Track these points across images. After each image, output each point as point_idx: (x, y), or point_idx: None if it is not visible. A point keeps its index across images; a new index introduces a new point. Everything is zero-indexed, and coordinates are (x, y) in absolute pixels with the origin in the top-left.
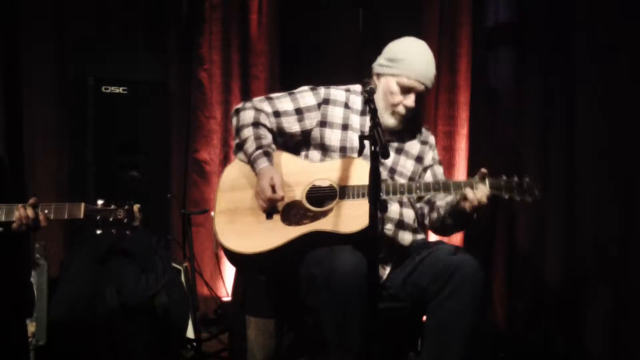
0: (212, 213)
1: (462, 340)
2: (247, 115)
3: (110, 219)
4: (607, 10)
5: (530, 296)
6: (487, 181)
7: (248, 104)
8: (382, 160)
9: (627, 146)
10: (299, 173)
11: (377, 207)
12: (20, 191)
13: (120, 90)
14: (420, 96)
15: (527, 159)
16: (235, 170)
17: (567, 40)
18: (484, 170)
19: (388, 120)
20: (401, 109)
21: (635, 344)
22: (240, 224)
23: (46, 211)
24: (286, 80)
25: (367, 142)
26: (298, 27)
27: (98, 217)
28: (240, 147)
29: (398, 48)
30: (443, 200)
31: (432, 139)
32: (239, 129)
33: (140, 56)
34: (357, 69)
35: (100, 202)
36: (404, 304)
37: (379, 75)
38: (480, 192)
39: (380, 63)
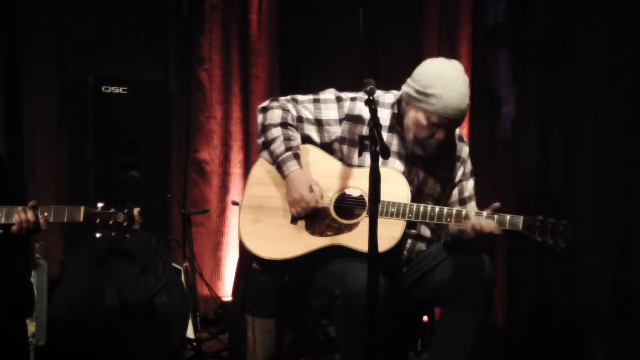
0: (239, 204)
1: (472, 343)
2: (275, 115)
3: (110, 222)
4: (607, 10)
5: (530, 297)
6: (519, 220)
7: (275, 103)
8: (412, 179)
9: (628, 146)
10: (330, 176)
11: (409, 224)
12: (20, 191)
13: (120, 90)
14: (452, 129)
15: (527, 158)
16: (264, 168)
17: (567, 40)
18: (496, 204)
19: (416, 150)
20: (432, 143)
21: (635, 344)
22: (264, 224)
23: (46, 214)
24: (286, 80)
25: (367, 143)
26: (298, 27)
27: (98, 221)
28: (266, 145)
29: (430, 79)
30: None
31: (465, 151)
32: (265, 127)
33: (140, 56)
34: (357, 69)
35: (100, 205)
36: (406, 304)
37: (407, 103)
38: (484, 224)
39: (409, 93)
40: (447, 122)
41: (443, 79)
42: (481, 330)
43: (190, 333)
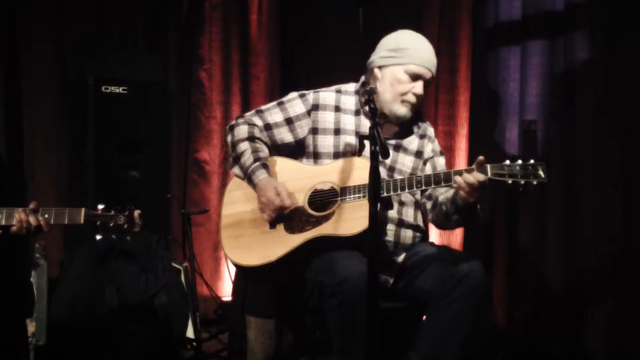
0: (219, 228)
1: (457, 345)
2: (242, 130)
3: (111, 225)
4: (607, 10)
5: (530, 296)
6: (487, 168)
7: (240, 120)
8: (381, 159)
9: (628, 146)
10: (299, 178)
11: (383, 206)
12: (20, 191)
13: (120, 90)
14: (427, 84)
15: (526, 158)
16: (237, 185)
17: (568, 39)
18: (481, 157)
19: (399, 109)
20: (411, 97)
21: (635, 344)
22: (245, 237)
23: (46, 216)
24: (286, 80)
25: (367, 142)
26: (298, 27)
27: (98, 223)
28: (236, 160)
29: (399, 39)
30: (444, 196)
31: (430, 130)
32: (234, 144)
33: (140, 56)
34: (357, 69)
35: (100, 207)
36: (405, 304)
37: (381, 67)
38: (471, 177)
39: (382, 55)
40: (425, 70)
41: (410, 36)
42: (467, 335)
43: (190, 333)
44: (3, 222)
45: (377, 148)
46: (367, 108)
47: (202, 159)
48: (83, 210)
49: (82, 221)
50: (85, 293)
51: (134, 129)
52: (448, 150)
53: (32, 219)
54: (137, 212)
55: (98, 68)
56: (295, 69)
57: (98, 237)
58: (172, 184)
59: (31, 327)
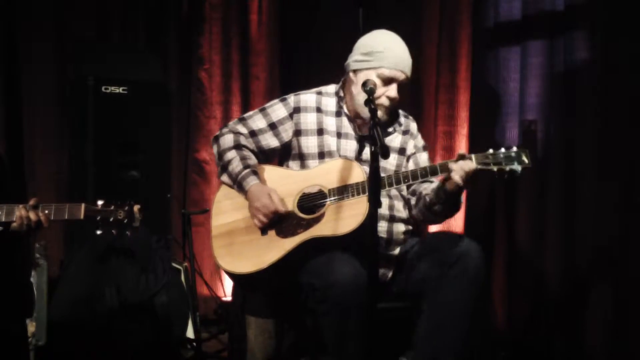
0: (211, 237)
1: (459, 326)
2: (227, 140)
3: (111, 220)
4: (607, 10)
5: (530, 296)
6: (472, 158)
7: (225, 130)
8: (365, 159)
9: (627, 145)
10: (286, 184)
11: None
12: (20, 191)
13: (120, 90)
14: (402, 86)
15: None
16: (225, 195)
17: (567, 39)
18: (461, 151)
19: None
20: (384, 101)
21: (635, 344)
22: (237, 245)
23: (46, 211)
24: (286, 80)
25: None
26: (298, 27)
27: (98, 218)
28: (224, 169)
29: (372, 41)
30: (429, 189)
31: (413, 126)
32: (221, 153)
33: (140, 56)
34: None
35: (100, 202)
36: (405, 304)
37: (355, 71)
38: (466, 165)
39: (356, 59)
40: (397, 73)
41: (384, 38)
42: (468, 312)
43: (190, 333)
44: (3, 219)
45: (377, 148)
46: (367, 109)
47: (202, 159)
48: (83, 205)
49: (82, 216)
50: (85, 293)
51: (134, 128)
52: (448, 151)
53: (32, 215)
54: (136, 207)
55: (98, 68)
56: (295, 69)
57: (98, 232)
58: (172, 184)
59: (31, 327)
